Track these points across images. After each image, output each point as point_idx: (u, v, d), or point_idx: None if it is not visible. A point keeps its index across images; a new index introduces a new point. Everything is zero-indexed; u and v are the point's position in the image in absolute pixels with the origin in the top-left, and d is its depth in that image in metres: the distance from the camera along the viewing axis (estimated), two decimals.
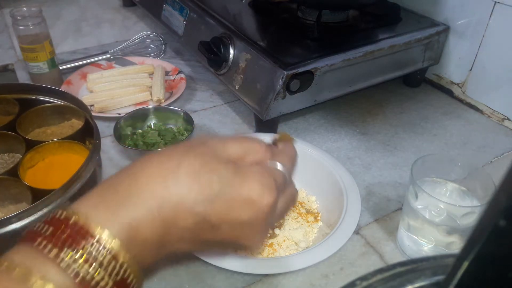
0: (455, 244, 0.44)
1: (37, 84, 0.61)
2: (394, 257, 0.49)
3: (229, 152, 0.35)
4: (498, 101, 0.73)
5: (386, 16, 0.75)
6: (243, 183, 0.32)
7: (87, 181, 0.47)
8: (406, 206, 0.47)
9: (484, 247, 0.14)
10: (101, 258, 0.27)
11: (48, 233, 0.28)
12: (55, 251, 0.27)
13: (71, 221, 0.28)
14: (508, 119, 0.72)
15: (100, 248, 0.27)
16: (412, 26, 0.74)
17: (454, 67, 0.78)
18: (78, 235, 0.27)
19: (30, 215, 0.42)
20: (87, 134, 0.56)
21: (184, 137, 0.63)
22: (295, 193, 0.39)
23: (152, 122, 0.66)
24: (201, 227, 0.32)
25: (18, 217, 0.41)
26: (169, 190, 0.31)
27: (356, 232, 0.51)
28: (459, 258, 0.15)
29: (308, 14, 0.71)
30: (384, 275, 0.21)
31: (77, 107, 0.59)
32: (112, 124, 0.61)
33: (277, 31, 0.71)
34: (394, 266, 0.21)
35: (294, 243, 0.50)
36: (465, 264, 0.15)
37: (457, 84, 0.78)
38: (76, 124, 0.61)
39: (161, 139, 0.62)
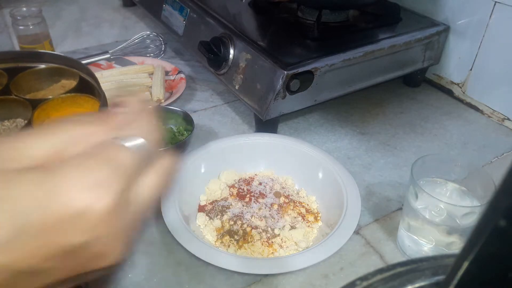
0: (455, 244, 0.44)
1: (15, 50, 0.57)
2: (394, 257, 0.49)
3: (31, 153, 0.23)
4: (498, 101, 0.73)
5: (386, 16, 0.75)
6: (56, 194, 0.21)
7: None
8: (406, 206, 0.47)
9: (484, 247, 0.14)
10: None
11: None
12: None
13: None
14: (508, 119, 0.72)
15: None
16: (412, 26, 0.74)
17: (454, 67, 0.78)
18: None
19: None
20: (81, 92, 0.53)
21: (184, 137, 0.63)
22: (172, 163, 0.28)
23: None
24: (12, 282, 0.21)
25: None
26: None
27: (356, 232, 0.51)
28: (459, 258, 0.15)
29: (308, 14, 0.71)
30: (384, 275, 0.21)
31: (68, 67, 0.55)
32: None
33: (277, 31, 0.71)
34: (394, 266, 0.21)
35: (294, 243, 0.50)
36: (465, 264, 0.15)
37: (457, 84, 0.78)
38: (67, 84, 0.57)
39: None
